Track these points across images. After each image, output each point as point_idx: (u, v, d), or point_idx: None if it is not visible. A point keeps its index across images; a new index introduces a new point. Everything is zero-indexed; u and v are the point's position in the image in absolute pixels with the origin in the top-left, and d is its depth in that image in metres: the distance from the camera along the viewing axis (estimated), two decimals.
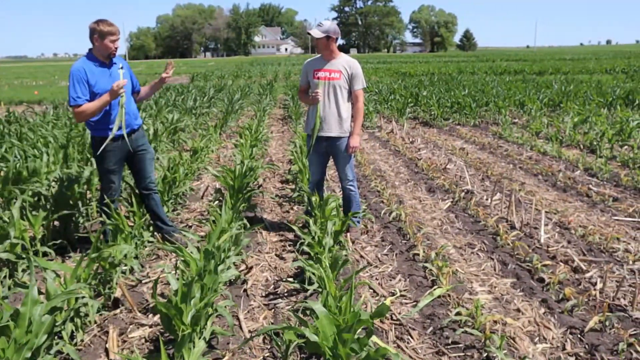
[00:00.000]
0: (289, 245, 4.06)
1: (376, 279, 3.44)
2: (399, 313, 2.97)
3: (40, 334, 2.19)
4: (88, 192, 4.69)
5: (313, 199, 4.20)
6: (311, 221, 3.75)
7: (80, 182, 4.33)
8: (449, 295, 3.11)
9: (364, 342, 2.17)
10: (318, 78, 3.88)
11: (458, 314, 2.83)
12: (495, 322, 2.81)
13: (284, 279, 3.44)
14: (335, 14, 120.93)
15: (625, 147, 7.45)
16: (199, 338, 2.45)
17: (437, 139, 8.77)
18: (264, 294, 3.26)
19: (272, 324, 2.88)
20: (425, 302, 3.02)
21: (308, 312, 2.85)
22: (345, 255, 3.57)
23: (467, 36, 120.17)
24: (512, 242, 3.89)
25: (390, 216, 4.63)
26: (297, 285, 3.27)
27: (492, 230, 4.26)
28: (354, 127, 3.97)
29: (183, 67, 39.97)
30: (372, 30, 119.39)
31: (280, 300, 3.16)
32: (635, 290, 2.99)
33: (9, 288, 3.15)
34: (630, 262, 3.57)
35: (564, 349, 2.60)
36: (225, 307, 2.72)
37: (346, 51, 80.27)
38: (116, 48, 3.48)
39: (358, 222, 4.24)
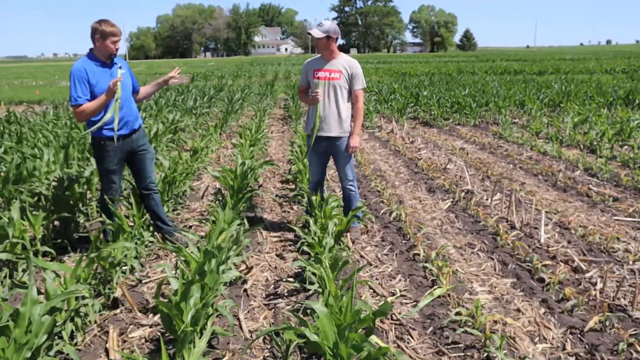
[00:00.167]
0: (289, 245, 4.06)
1: (376, 279, 3.44)
2: (399, 313, 2.97)
3: (40, 334, 2.19)
4: (88, 192, 4.69)
5: (313, 198, 4.20)
6: (311, 221, 3.75)
7: (81, 182, 4.33)
8: (449, 295, 3.11)
9: (364, 341, 2.17)
10: (318, 78, 3.87)
11: (458, 314, 2.83)
12: (495, 322, 2.82)
13: (284, 279, 3.44)
14: (335, 14, 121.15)
15: (626, 147, 7.46)
16: (199, 338, 2.44)
17: (437, 139, 8.77)
18: (264, 294, 3.26)
19: (272, 324, 2.89)
20: (425, 302, 3.02)
21: (308, 312, 2.85)
22: (346, 255, 3.57)
23: (467, 36, 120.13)
24: (512, 242, 3.89)
25: (391, 216, 4.63)
26: (298, 285, 3.27)
27: (492, 230, 4.26)
28: (354, 127, 3.97)
29: (183, 67, 39.88)
30: (372, 30, 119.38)
31: (280, 300, 3.16)
32: (635, 290, 2.99)
33: (9, 288, 3.15)
34: (630, 262, 3.57)
35: (564, 349, 2.61)
36: (226, 307, 2.72)
37: (346, 51, 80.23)
38: (117, 49, 3.48)
39: (358, 222, 4.24)
